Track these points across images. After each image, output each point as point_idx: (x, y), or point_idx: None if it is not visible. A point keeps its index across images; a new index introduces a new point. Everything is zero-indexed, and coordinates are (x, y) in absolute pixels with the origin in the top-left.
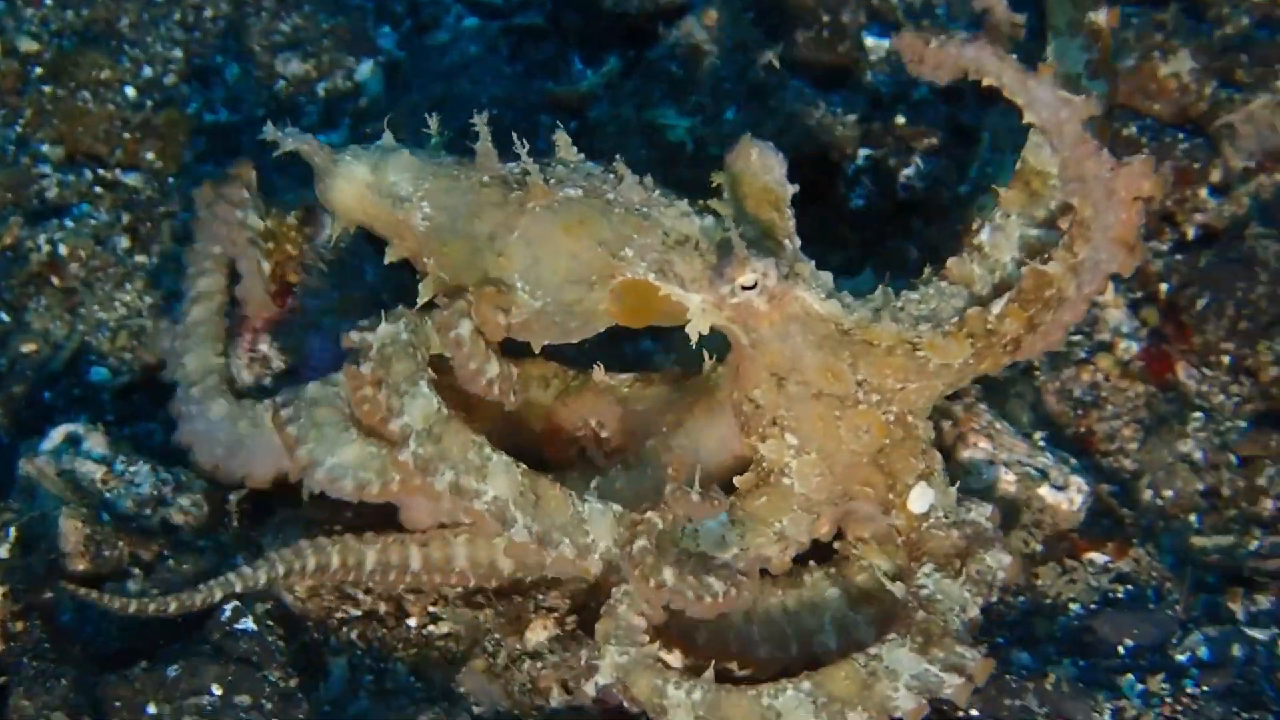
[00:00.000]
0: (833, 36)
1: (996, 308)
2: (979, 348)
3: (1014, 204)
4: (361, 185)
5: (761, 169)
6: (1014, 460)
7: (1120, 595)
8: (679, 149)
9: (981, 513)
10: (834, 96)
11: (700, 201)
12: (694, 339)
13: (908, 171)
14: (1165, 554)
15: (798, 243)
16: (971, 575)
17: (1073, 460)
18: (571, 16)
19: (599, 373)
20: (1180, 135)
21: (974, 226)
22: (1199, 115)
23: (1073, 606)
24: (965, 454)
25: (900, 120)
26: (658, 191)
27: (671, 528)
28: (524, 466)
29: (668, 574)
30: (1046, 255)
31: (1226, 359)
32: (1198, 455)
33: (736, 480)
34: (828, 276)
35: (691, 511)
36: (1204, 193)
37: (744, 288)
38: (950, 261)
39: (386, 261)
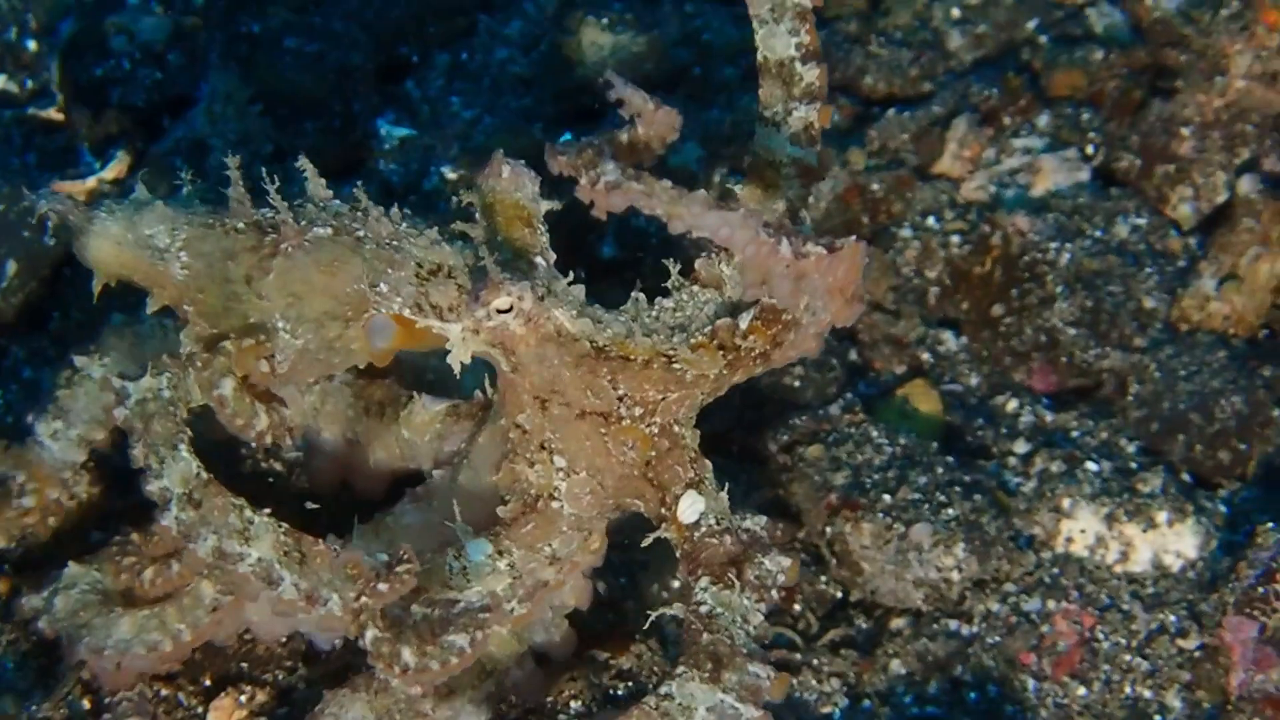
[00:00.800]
0: (344, 126)
1: (744, 322)
2: (730, 359)
3: (752, 199)
4: (118, 240)
5: (513, 186)
6: None
7: None
8: None
9: (757, 522)
10: (346, 188)
11: (451, 225)
12: (456, 370)
13: None
14: None
15: (552, 258)
16: (749, 581)
17: None
18: (81, 109)
19: (418, 406)
20: None
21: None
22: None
23: None
24: None
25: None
26: (405, 224)
27: (437, 569)
28: (287, 526)
29: (407, 656)
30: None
31: None
32: None
33: (500, 510)
34: (579, 290)
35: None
36: None
37: (499, 311)
38: (698, 263)
39: (148, 312)
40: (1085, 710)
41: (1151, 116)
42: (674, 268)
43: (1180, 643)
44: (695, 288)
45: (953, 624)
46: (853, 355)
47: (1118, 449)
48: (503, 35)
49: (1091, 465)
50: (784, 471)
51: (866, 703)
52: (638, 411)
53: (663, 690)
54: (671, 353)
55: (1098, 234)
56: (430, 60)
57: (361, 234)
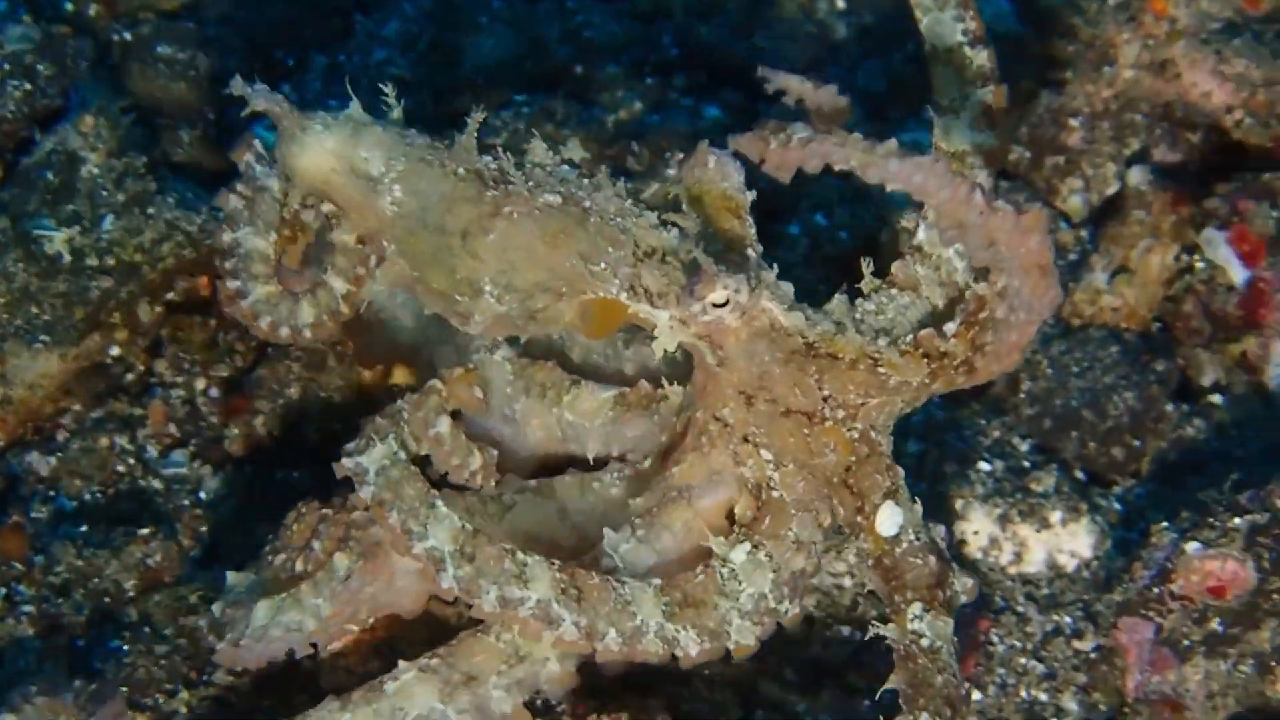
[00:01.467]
0: (220, 134)
1: (950, 329)
2: (934, 368)
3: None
4: (330, 157)
5: (720, 176)
6: None
7: None
8: (56, 260)
9: (937, 532)
10: None
11: (664, 215)
12: (659, 356)
13: None
14: None
15: (760, 250)
16: (948, 604)
17: None
18: None
19: (585, 391)
20: None
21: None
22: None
23: None
24: None
25: None
26: (630, 201)
27: (710, 581)
28: (558, 562)
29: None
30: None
31: None
32: None
33: (737, 511)
34: (789, 287)
35: None
36: None
37: (715, 305)
38: (895, 266)
39: (342, 237)
40: (981, 715)
41: (1040, 108)
42: (868, 268)
43: (1076, 644)
44: (893, 290)
45: (845, 630)
46: None
47: (1010, 448)
48: (380, 36)
49: (984, 465)
50: None
51: (760, 712)
52: (840, 414)
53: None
54: (877, 355)
55: None
56: (307, 63)
57: (588, 205)
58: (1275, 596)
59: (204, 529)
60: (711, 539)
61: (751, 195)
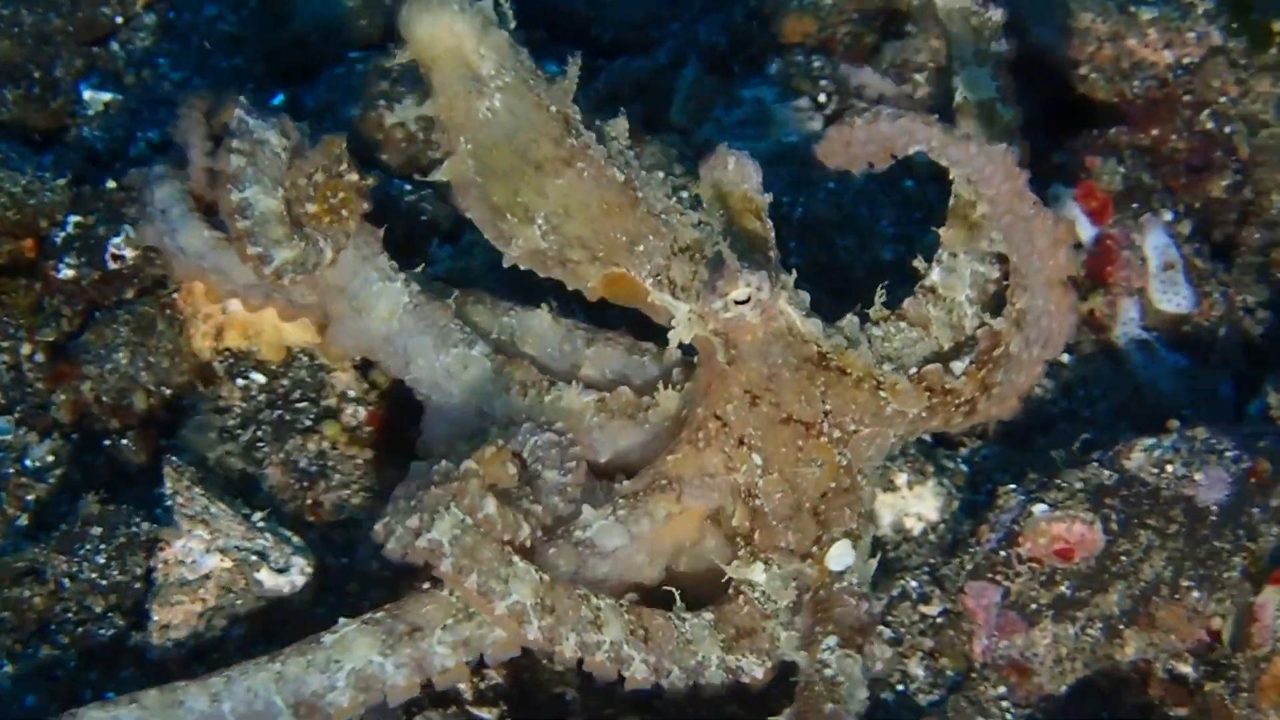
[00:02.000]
0: (44, 92)
1: (959, 367)
2: (934, 403)
3: (957, 241)
4: (454, 37)
5: (740, 178)
6: (230, 545)
7: None
8: None
9: (879, 601)
10: (45, 158)
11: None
12: (673, 347)
13: (116, 240)
14: None
15: (779, 254)
16: (867, 655)
17: (295, 539)
18: None
19: (571, 392)
20: (406, 186)
21: (919, 268)
22: (428, 164)
23: None
24: (179, 543)
25: (111, 184)
26: (675, 199)
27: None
28: (625, 603)
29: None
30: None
31: None
32: None
33: (734, 521)
34: (805, 295)
35: None
36: None
37: (736, 302)
38: (906, 303)
39: (417, 113)
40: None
41: (884, 62)
42: (879, 298)
43: (922, 609)
44: (902, 324)
45: None
46: None
47: None
48: None
49: None
50: None
51: None
52: (836, 434)
53: None
54: (882, 379)
55: (831, 186)
56: (135, 19)
57: (642, 195)
58: (1123, 559)
59: (30, 497)
60: (727, 567)
61: (769, 197)
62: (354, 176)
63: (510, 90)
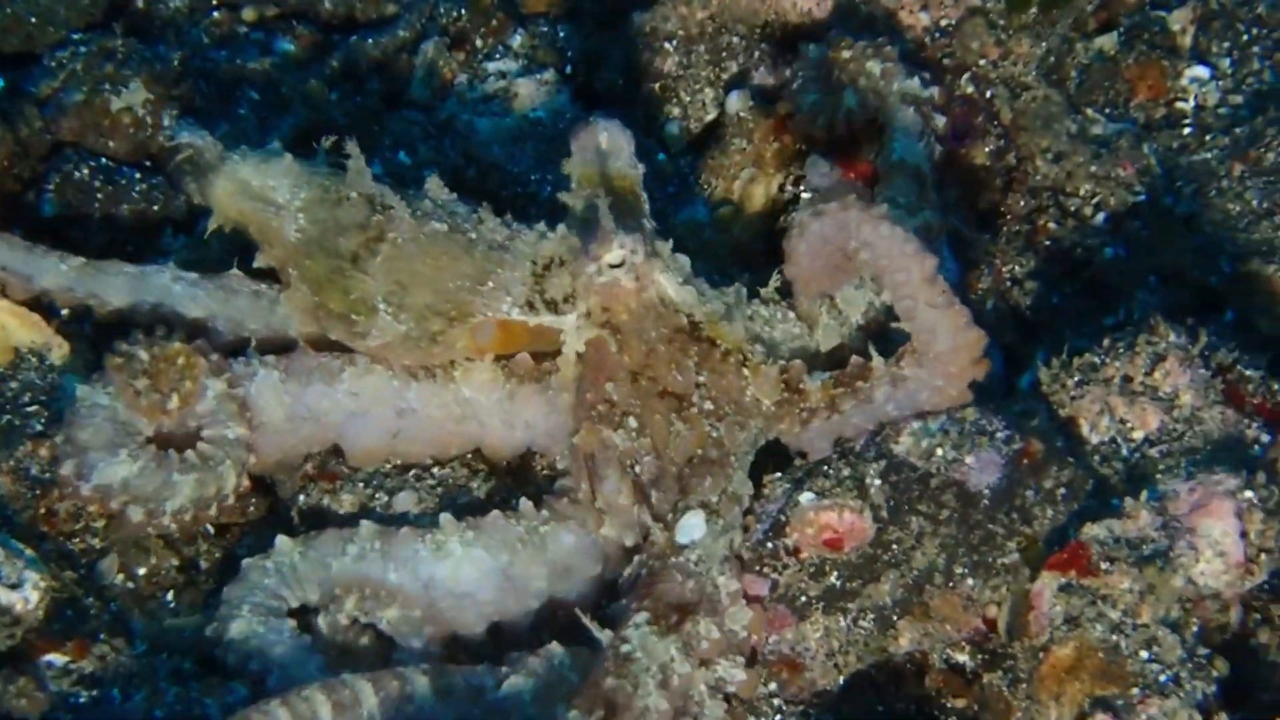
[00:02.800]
0: None
1: (820, 376)
2: (783, 399)
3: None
4: (243, 186)
5: (613, 152)
6: None
7: (82, 700)
8: None
9: (729, 584)
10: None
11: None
12: (570, 360)
13: None
14: (139, 641)
15: (654, 225)
16: (684, 634)
17: (28, 552)
18: None
19: (479, 365)
20: (136, 174)
21: None
22: (159, 150)
23: None
24: None
25: None
26: (515, 225)
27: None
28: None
29: None
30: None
31: None
32: None
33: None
34: (685, 260)
35: None
36: None
37: (611, 265)
38: (804, 299)
39: (255, 265)
40: None
41: (631, 31)
42: (775, 280)
43: None
44: (790, 315)
45: None
46: None
47: None
48: None
49: None
50: None
51: None
52: (707, 406)
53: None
54: (749, 356)
55: None
56: None
57: (474, 236)
58: (895, 547)
59: None
60: (652, 526)
61: (642, 168)
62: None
63: (309, 204)
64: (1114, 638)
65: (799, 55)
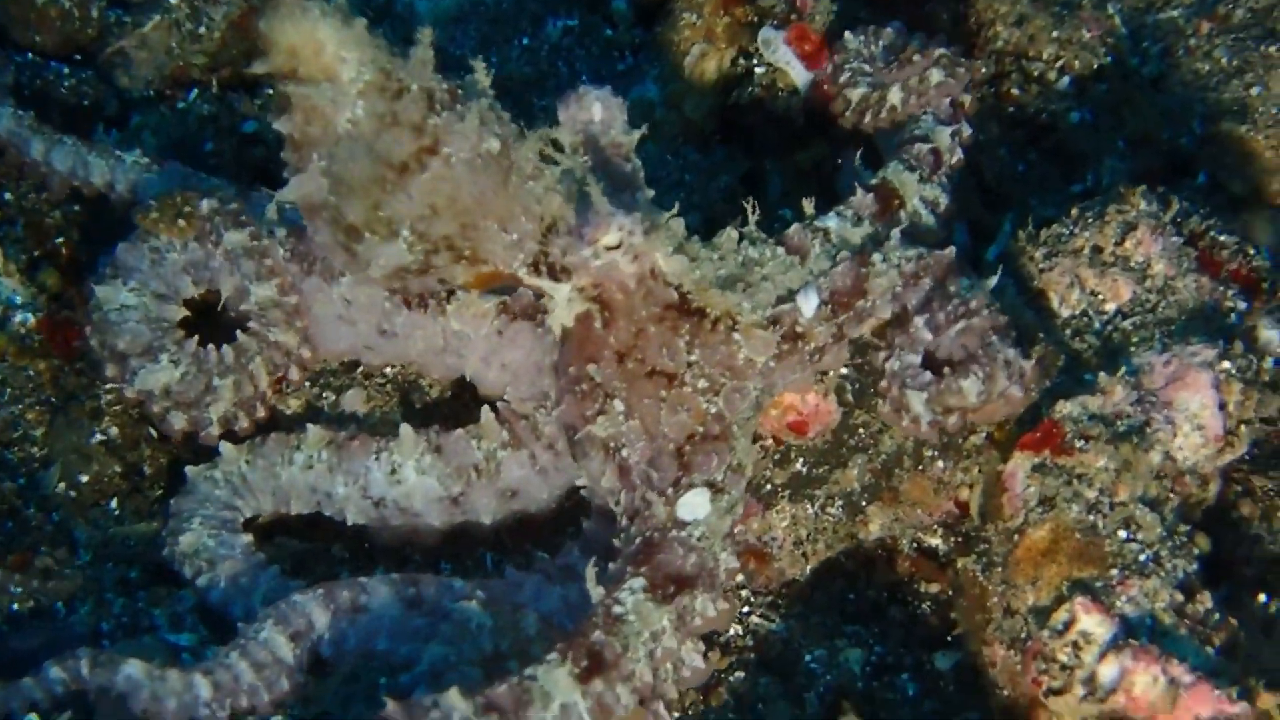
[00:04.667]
0: None
1: (808, 308)
2: (784, 350)
3: (865, 209)
4: (317, 44)
5: (607, 121)
6: None
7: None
8: None
9: (729, 560)
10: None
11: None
12: (557, 331)
13: None
14: (83, 551)
15: (650, 193)
16: (678, 606)
17: None
18: None
19: (470, 298)
20: (64, 69)
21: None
22: (88, 43)
23: None
24: None
25: None
26: (541, 155)
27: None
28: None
29: None
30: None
31: None
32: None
33: (606, 484)
34: (679, 224)
35: None
36: None
37: (608, 249)
38: (792, 229)
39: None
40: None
41: None
42: (753, 215)
43: None
44: (780, 249)
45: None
46: None
47: None
48: None
49: None
50: None
51: None
52: (702, 384)
53: (528, 671)
54: (737, 317)
55: (525, 41)
56: None
57: (514, 158)
58: (861, 431)
59: None
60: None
61: (637, 134)
62: None
63: (371, 89)
64: (1091, 518)
65: None
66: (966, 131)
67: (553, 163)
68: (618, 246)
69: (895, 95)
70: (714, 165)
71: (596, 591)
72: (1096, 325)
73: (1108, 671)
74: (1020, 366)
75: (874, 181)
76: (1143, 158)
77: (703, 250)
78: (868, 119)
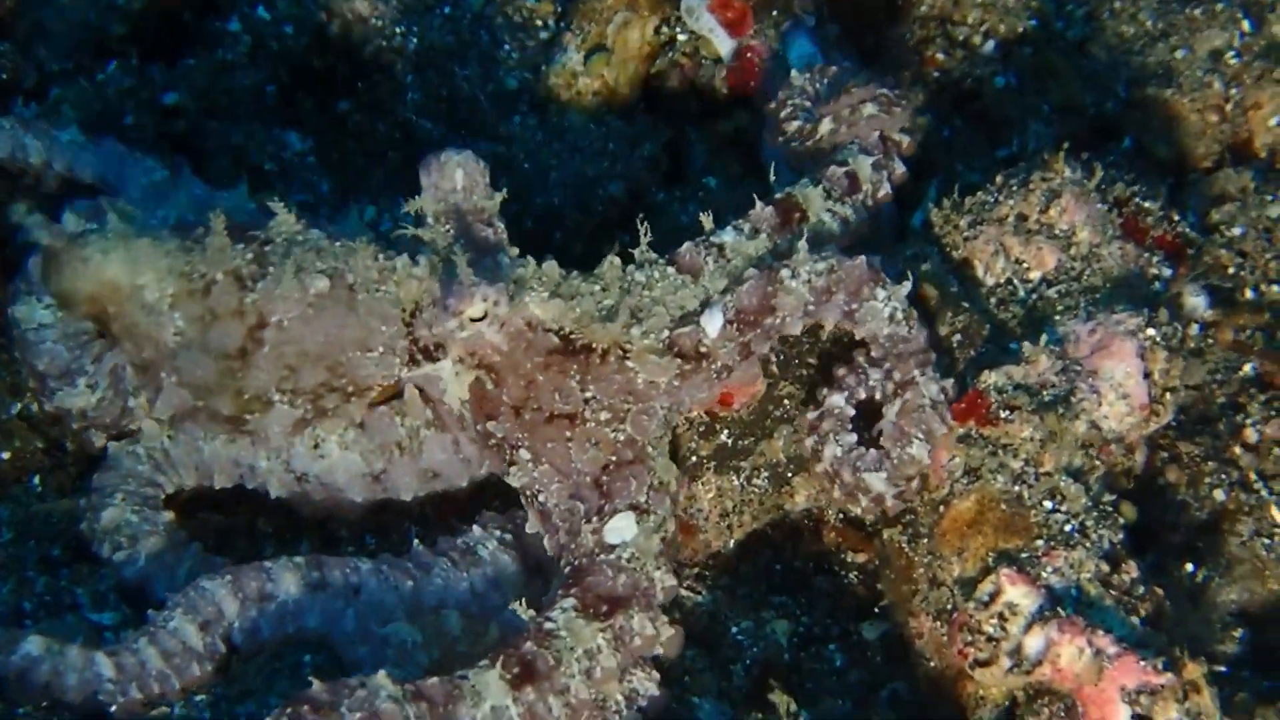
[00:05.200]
0: None
1: (712, 329)
2: (687, 370)
3: (765, 222)
4: (110, 283)
5: (469, 187)
6: None
7: None
8: None
9: (665, 578)
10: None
11: (410, 232)
12: (456, 406)
13: None
14: (4, 529)
15: (514, 252)
16: (613, 626)
17: None
18: None
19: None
20: None
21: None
22: (5, 14)
23: None
24: None
25: None
26: (380, 254)
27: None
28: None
29: None
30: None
31: None
32: None
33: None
34: (552, 268)
35: None
36: None
37: (473, 320)
38: (684, 248)
39: (108, 364)
40: None
41: None
42: (645, 238)
43: None
44: (670, 269)
45: None
46: None
47: None
48: None
49: None
50: None
51: None
52: (604, 416)
53: (460, 672)
54: (628, 345)
55: (446, 10)
56: None
57: (351, 280)
58: (787, 403)
59: None
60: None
61: (499, 196)
62: None
63: (180, 297)
64: (1016, 489)
65: None
66: (900, 169)
67: (400, 245)
68: (482, 317)
69: (825, 126)
70: (637, 134)
71: (527, 614)
72: (1021, 294)
73: (1033, 643)
74: (946, 398)
75: (777, 196)
76: (1068, 123)
77: (583, 285)
78: (798, 147)
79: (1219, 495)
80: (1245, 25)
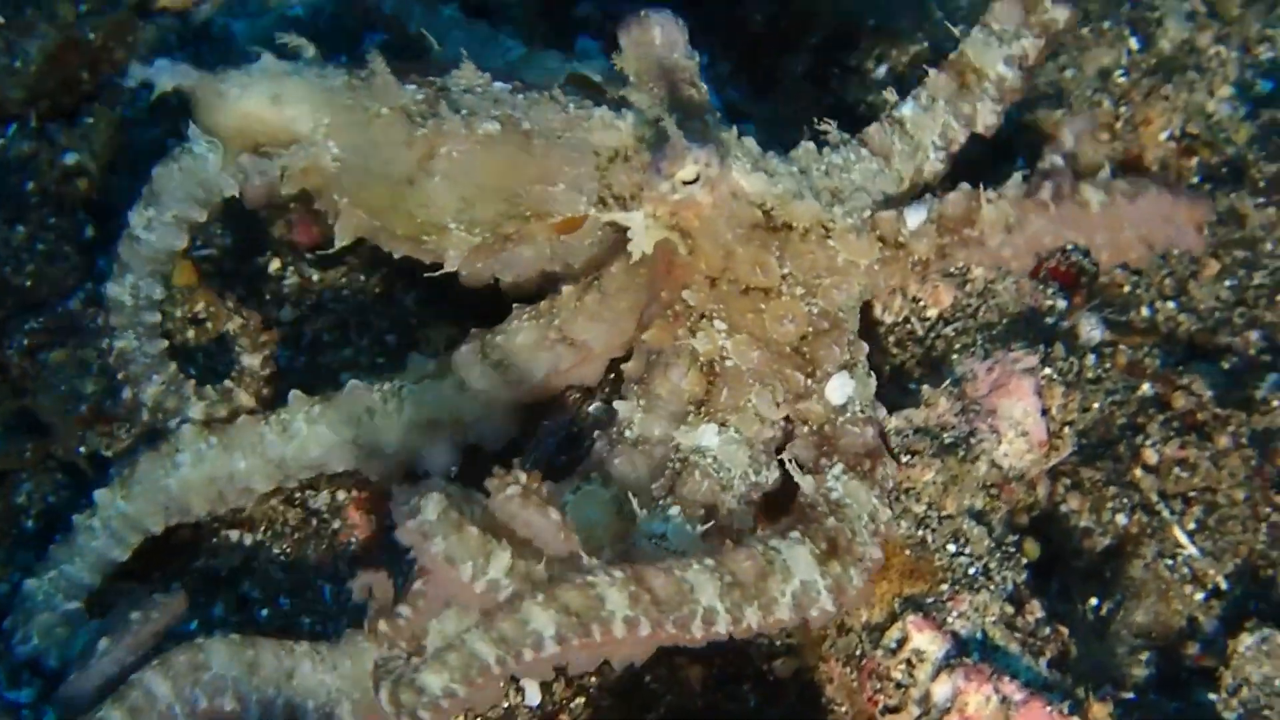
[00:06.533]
0: None
1: (913, 222)
2: (886, 257)
3: (942, 90)
4: (256, 118)
5: (668, 45)
6: None
7: None
8: None
9: (880, 413)
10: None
11: (614, 94)
12: (636, 258)
13: None
14: None
15: (719, 115)
16: (878, 479)
17: None
18: None
19: None
20: None
21: (890, 99)
22: None
23: None
24: None
25: None
26: (573, 104)
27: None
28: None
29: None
30: (992, 196)
31: None
32: None
33: (687, 387)
34: (751, 142)
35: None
36: None
37: (685, 182)
38: (871, 129)
39: (283, 192)
40: None
41: None
42: (833, 124)
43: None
44: (864, 151)
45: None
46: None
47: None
48: None
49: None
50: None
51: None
52: (799, 291)
53: (772, 542)
54: (830, 224)
55: None
56: None
57: (528, 127)
58: None
59: None
60: (677, 431)
61: (700, 57)
62: None
63: (337, 129)
64: (920, 533)
65: None
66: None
67: (599, 99)
68: (695, 180)
69: None
70: None
71: (806, 480)
72: (919, 332)
73: (941, 690)
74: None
75: (951, 57)
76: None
77: (780, 165)
78: None
79: (1121, 519)
80: (1133, 43)
